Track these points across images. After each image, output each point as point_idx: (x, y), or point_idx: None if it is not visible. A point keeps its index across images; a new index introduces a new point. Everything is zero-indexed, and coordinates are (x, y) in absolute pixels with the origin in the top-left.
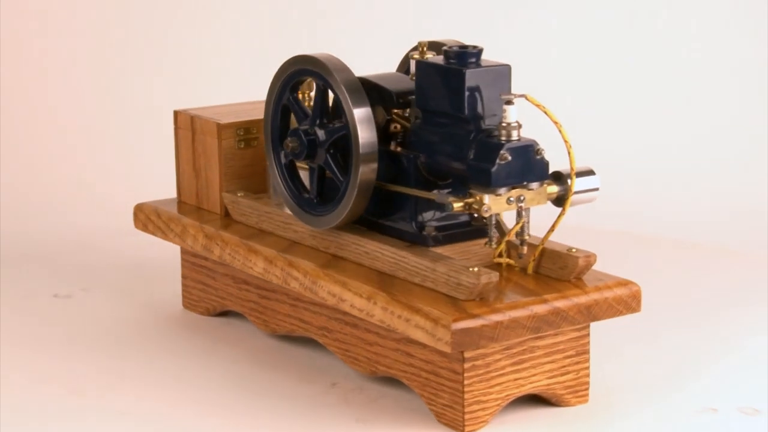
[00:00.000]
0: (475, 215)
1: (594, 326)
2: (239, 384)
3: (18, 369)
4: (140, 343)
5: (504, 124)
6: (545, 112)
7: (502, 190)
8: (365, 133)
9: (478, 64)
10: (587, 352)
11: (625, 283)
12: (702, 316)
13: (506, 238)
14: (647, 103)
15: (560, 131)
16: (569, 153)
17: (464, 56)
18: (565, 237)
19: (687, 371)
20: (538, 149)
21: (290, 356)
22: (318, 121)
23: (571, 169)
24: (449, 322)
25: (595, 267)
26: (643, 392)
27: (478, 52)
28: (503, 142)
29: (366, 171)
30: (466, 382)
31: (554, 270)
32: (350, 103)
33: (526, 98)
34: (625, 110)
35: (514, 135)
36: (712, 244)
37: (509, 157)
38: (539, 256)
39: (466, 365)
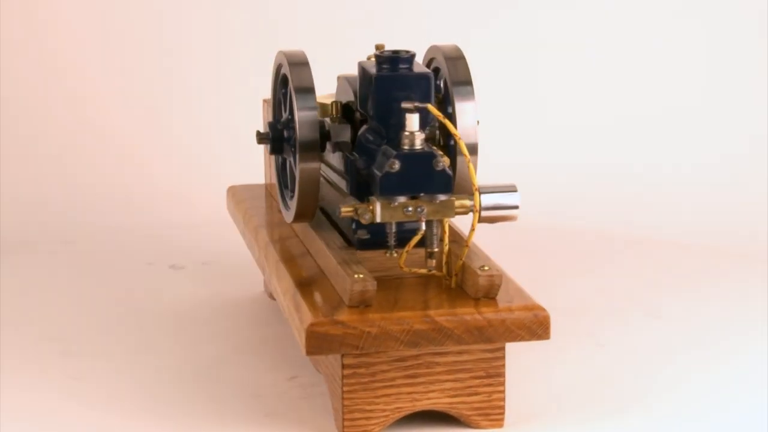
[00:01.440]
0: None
1: (555, 344)
2: (212, 368)
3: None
4: (199, 320)
5: (407, 133)
6: (446, 124)
7: (401, 199)
8: (305, 132)
9: (410, 69)
10: (501, 375)
11: (531, 308)
12: (676, 334)
13: (406, 250)
14: (645, 103)
15: (459, 145)
16: (469, 168)
17: (394, 61)
18: (563, 238)
19: (626, 400)
20: (437, 160)
21: (286, 345)
22: (290, 117)
23: (472, 184)
24: (307, 326)
25: (590, 270)
26: (567, 422)
27: (409, 57)
28: (404, 150)
29: (305, 169)
30: (345, 388)
31: (469, 287)
32: (295, 101)
33: (428, 108)
34: (623, 111)
35: (418, 144)
36: (710, 247)
37: (397, 166)
38: (461, 270)
39: (346, 372)
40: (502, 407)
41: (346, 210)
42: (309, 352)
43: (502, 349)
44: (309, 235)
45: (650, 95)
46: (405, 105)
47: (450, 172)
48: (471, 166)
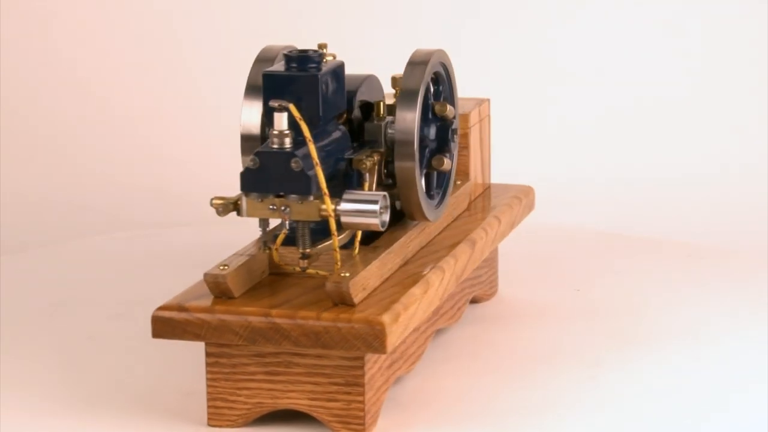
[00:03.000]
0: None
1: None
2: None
3: None
4: None
5: (275, 132)
6: (301, 126)
7: (270, 196)
8: (245, 127)
9: (318, 69)
10: (361, 384)
11: (371, 320)
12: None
13: (275, 247)
14: (646, 104)
15: (310, 147)
16: (318, 173)
17: (303, 60)
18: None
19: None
20: (295, 161)
21: None
22: None
23: (321, 188)
24: (154, 309)
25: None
26: None
27: (314, 56)
28: (269, 149)
29: (245, 161)
30: (208, 376)
31: None
32: (243, 96)
33: (289, 109)
34: (623, 111)
35: (287, 143)
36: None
37: (252, 164)
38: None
39: (208, 360)
40: (362, 417)
41: (216, 202)
42: (155, 335)
43: (361, 358)
44: None
45: (648, 96)
46: (272, 103)
47: (310, 174)
48: (319, 170)
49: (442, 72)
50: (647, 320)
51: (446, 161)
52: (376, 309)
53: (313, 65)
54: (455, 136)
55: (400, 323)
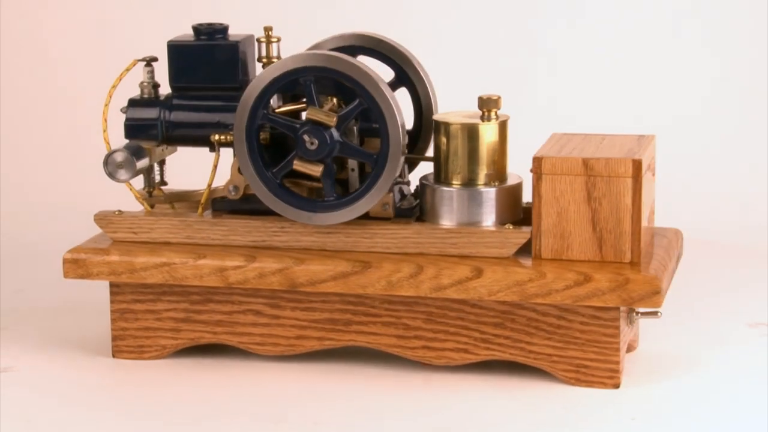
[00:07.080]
0: None
1: None
2: None
3: None
4: None
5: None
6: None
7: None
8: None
9: (188, 39)
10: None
11: (74, 249)
12: None
13: (129, 187)
14: (644, 95)
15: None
16: (103, 124)
17: (204, 32)
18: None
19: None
20: (123, 108)
21: None
22: None
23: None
24: None
25: None
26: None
27: (214, 31)
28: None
29: None
30: None
31: None
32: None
33: (151, 63)
34: (623, 99)
35: (145, 93)
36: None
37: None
38: None
39: None
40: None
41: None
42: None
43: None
44: None
45: (646, 86)
46: (141, 59)
47: (128, 122)
48: (104, 118)
49: (363, 86)
50: None
51: (296, 164)
52: (105, 249)
53: (220, 35)
54: (308, 142)
55: (96, 265)
